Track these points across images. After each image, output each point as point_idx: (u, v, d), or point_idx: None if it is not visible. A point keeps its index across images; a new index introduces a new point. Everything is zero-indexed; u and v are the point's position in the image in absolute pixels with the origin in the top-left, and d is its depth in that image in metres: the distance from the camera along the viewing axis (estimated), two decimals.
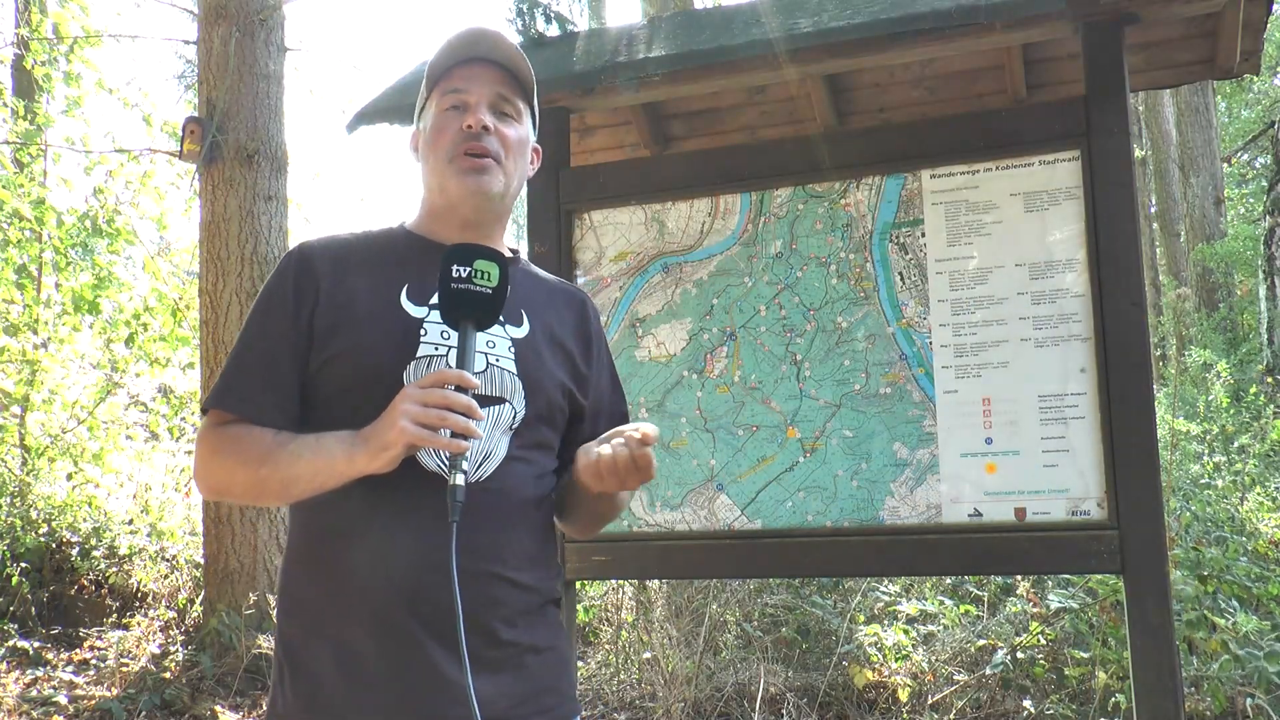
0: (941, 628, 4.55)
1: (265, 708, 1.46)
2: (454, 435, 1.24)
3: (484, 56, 1.49)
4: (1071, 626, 4.02)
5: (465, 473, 1.25)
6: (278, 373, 1.40)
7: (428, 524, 1.30)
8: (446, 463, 1.27)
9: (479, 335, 1.36)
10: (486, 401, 1.38)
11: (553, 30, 3.26)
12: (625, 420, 1.64)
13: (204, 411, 1.46)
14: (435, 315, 1.41)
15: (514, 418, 1.41)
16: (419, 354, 1.38)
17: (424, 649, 1.30)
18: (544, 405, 1.45)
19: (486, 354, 1.40)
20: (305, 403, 1.41)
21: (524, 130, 1.53)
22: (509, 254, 1.55)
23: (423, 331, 1.39)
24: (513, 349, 1.44)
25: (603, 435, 1.44)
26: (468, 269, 1.30)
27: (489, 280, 1.31)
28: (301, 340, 1.40)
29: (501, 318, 1.42)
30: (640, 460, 1.34)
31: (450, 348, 1.39)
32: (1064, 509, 2.46)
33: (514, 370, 1.43)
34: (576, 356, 1.55)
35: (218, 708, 4.85)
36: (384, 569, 1.32)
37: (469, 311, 1.31)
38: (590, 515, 1.56)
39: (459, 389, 1.26)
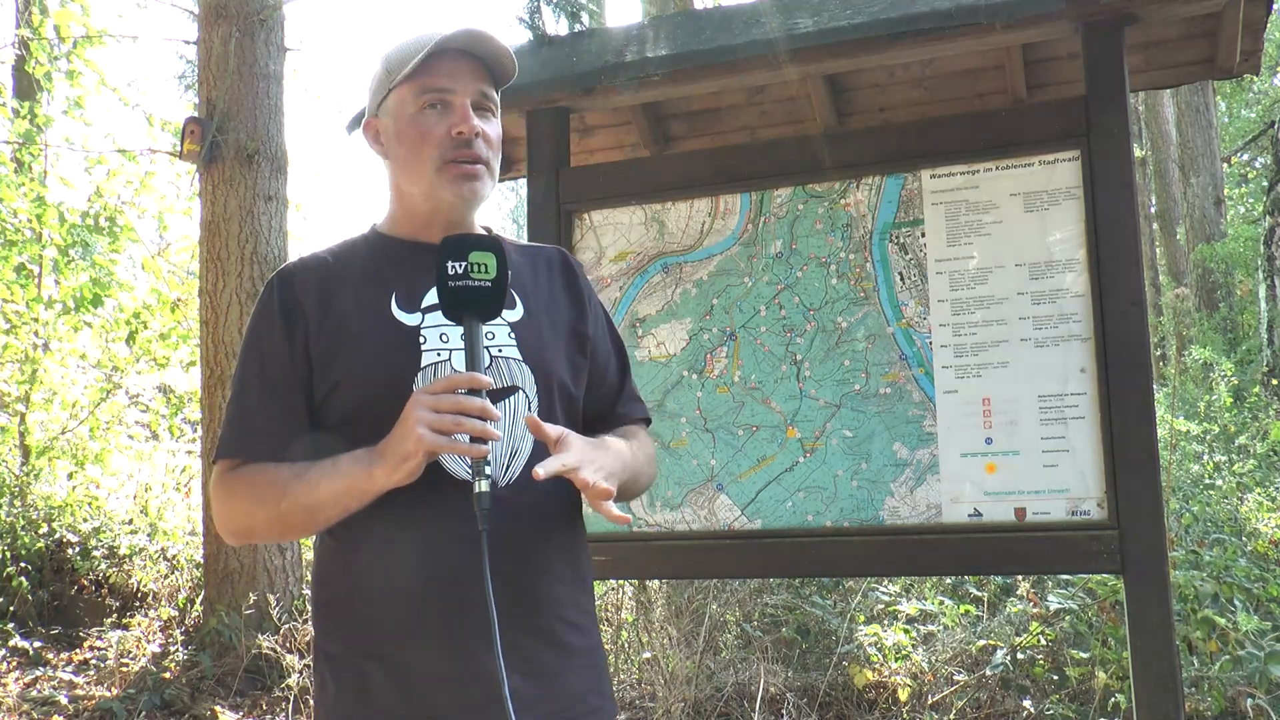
0: (941, 628, 4.55)
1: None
2: (472, 440, 1.21)
3: (463, 49, 1.41)
4: (1071, 627, 4.02)
5: (489, 477, 1.21)
6: (282, 407, 1.37)
7: (464, 532, 1.27)
8: (469, 469, 1.24)
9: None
10: (500, 395, 1.35)
11: (562, 26, 3.26)
12: (628, 368, 1.62)
13: (214, 463, 1.42)
14: (430, 319, 1.37)
15: (530, 407, 1.38)
16: (424, 363, 1.35)
17: (477, 659, 1.28)
18: (555, 387, 1.43)
19: (488, 346, 1.37)
20: (319, 431, 1.38)
21: (499, 123, 1.47)
22: (482, 232, 1.50)
23: (421, 339, 1.36)
24: (513, 334, 1.41)
25: (615, 431, 1.48)
26: (463, 264, 1.26)
27: (487, 272, 1.26)
28: (301, 369, 1.37)
29: None
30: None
31: (452, 350, 1.36)
32: (1064, 509, 2.46)
33: (519, 356, 1.40)
34: (574, 321, 1.51)
35: (218, 708, 4.85)
36: (426, 581, 1.30)
37: (471, 307, 1.26)
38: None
39: (471, 392, 1.22)
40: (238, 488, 1.37)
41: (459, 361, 1.34)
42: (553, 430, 1.29)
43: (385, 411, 1.27)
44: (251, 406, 1.39)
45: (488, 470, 1.21)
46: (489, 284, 1.27)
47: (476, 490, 1.20)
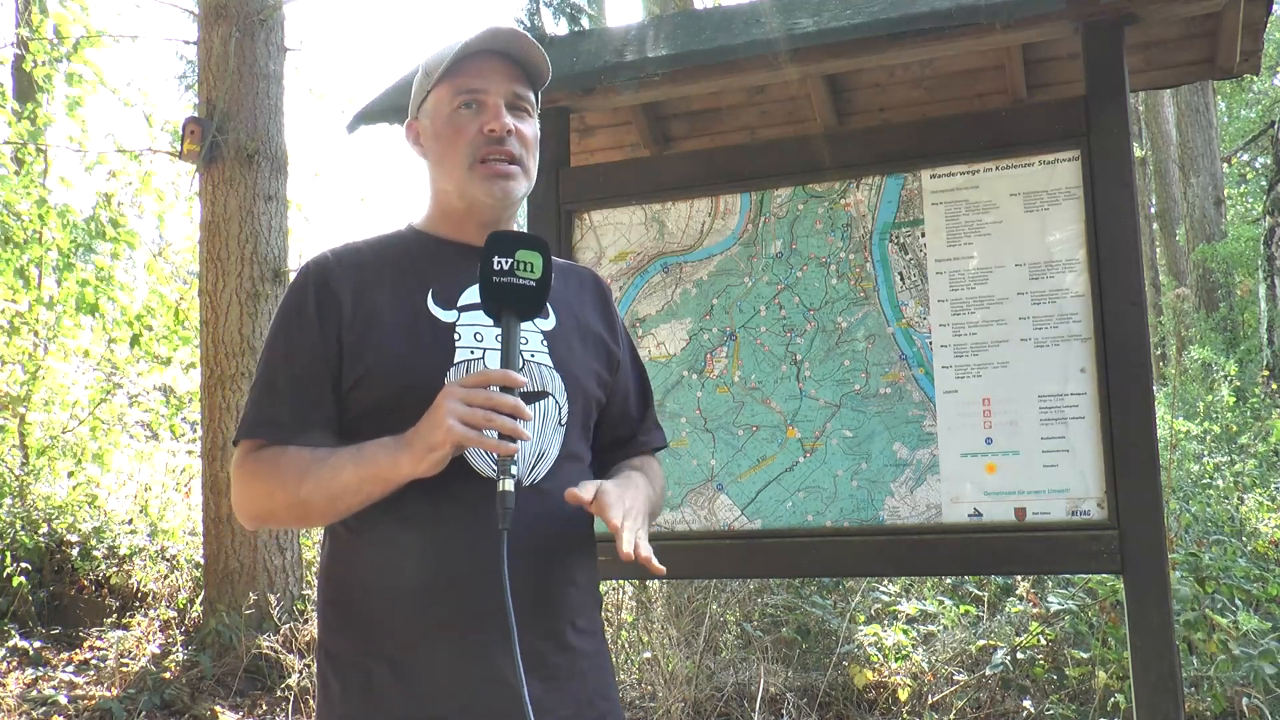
0: (941, 628, 4.55)
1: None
2: (501, 437, 1.20)
3: (498, 50, 1.44)
4: (1071, 627, 4.02)
5: (514, 477, 1.20)
6: (309, 392, 1.35)
7: (484, 529, 1.26)
8: (495, 466, 1.23)
9: None
10: (530, 398, 1.35)
11: (561, 28, 3.26)
12: (650, 396, 1.64)
13: (235, 444, 1.40)
14: (466, 317, 1.37)
15: (560, 413, 1.39)
16: (456, 360, 1.34)
17: (487, 659, 1.27)
18: (583, 397, 1.44)
19: (521, 351, 1.36)
20: (342, 420, 1.37)
21: (536, 124, 1.50)
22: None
23: (456, 336, 1.36)
24: (545, 342, 1.41)
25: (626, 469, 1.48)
26: (509, 260, 1.25)
27: (532, 272, 1.26)
28: (331, 358, 1.35)
29: None
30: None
31: (485, 349, 1.35)
32: (1064, 509, 2.46)
33: (550, 364, 1.40)
34: (606, 338, 1.53)
35: (218, 708, 4.85)
36: (442, 577, 1.29)
37: (511, 305, 1.26)
38: None
39: (505, 390, 1.22)
40: (259, 470, 1.35)
41: (492, 360, 1.34)
42: (586, 491, 1.29)
43: (414, 404, 1.26)
44: (280, 392, 1.37)
45: (514, 469, 1.20)
46: (534, 283, 1.27)
47: (500, 489, 1.19)
